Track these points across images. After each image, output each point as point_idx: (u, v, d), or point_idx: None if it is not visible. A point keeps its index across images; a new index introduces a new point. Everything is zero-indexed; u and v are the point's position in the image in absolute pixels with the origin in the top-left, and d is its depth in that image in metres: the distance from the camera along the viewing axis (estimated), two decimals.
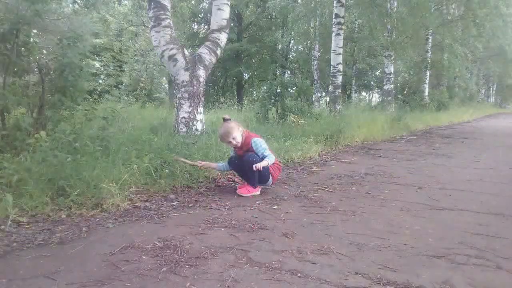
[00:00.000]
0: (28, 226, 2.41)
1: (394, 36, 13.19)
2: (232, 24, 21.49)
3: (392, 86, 14.09)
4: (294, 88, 7.68)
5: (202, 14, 24.35)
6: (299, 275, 1.79)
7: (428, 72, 17.07)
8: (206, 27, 24.65)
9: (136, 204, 2.92)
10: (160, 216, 2.69)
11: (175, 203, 3.01)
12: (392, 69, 13.94)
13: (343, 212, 2.79)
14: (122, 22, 22.29)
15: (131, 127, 4.85)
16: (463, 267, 1.87)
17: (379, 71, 29.02)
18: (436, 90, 18.93)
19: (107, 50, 21.92)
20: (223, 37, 5.69)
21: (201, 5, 24.63)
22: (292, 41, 23.71)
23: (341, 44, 9.83)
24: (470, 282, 1.72)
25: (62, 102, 3.70)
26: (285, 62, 24.35)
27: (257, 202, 3.07)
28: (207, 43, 5.60)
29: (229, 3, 5.75)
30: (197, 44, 22.35)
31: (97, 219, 2.58)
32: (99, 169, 2.99)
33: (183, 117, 5.19)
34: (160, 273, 1.80)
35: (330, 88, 10.13)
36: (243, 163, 3.26)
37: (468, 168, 4.66)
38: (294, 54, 25.75)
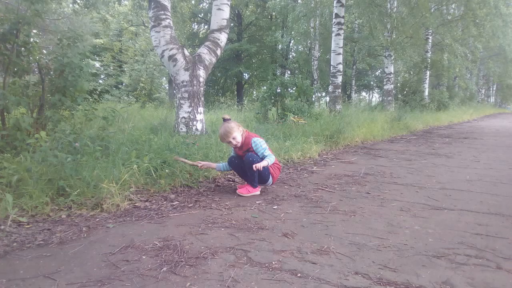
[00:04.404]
0: (28, 226, 2.41)
1: (394, 36, 13.20)
2: (232, 24, 21.51)
3: (392, 86, 14.10)
4: (294, 88, 7.68)
5: (202, 14, 24.37)
6: (299, 275, 1.79)
7: (428, 72, 17.08)
8: (206, 27, 24.68)
9: (136, 204, 2.92)
10: (160, 216, 2.69)
11: (175, 203, 3.01)
12: (392, 69, 13.95)
13: (343, 212, 2.79)
14: (122, 22, 22.29)
15: (131, 127, 4.85)
16: (463, 267, 1.87)
17: (379, 71, 29.08)
18: (436, 90, 18.94)
19: (107, 50, 21.96)
20: (223, 37, 5.69)
21: (201, 5, 24.66)
22: (292, 41, 23.72)
23: (341, 44, 9.83)
24: (470, 282, 1.72)
25: (62, 102, 3.70)
26: (285, 62, 24.36)
27: (257, 202, 3.07)
28: (207, 43, 5.60)
29: (229, 3, 5.75)
30: (197, 44, 22.39)
31: (97, 219, 2.58)
32: (99, 169, 2.99)
33: (183, 117, 5.20)
34: (160, 273, 1.80)
35: (330, 88, 10.13)
36: (243, 163, 3.26)
37: (468, 168, 4.66)
38: (294, 54, 25.77)
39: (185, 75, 5.19)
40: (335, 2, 9.84)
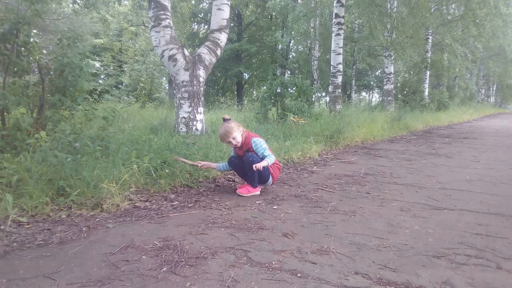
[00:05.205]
0: (28, 226, 2.41)
1: (394, 36, 13.19)
2: (232, 24, 21.51)
3: (392, 86, 14.10)
4: (294, 88, 7.68)
5: (202, 14, 24.37)
6: (299, 275, 1.79)
7: (428, 72, 17.07)
8: (206, 27, 24.67)
9: (136, 204, 2.92)
10: (160, 216, 2.69)
11: (175, 203, 3.01)
12: (392, 69, 13.95)
13: (343, 212, 2.79)
14: (122, 22, 22.29)
15: (131, 127, 4.85)
16: (463, 267, 1.87)
17: (379, 71, 29.07)
18: (436, 90, 18.94)
19: (107, 50, 21.96)
20: (223, 37, 5.69)
21: (201, 5, 24.66)
22: (292, 41, 23.72)
23: (341, 44, 9.83)
24: (470, 282, 1.72)
25: (62, 102, 3.70)
26: (285, 62, 24.36)
27: (257, 202, 3.07)
28: (207, 43, 5.60)
29: (229, 3, 5.75)
30: (197, 44, 22.39)
31: (97, 219, 2.58)
32: (99, 169, 2.99)
33: (183, 117, 5.20)
34: (160, 273, 1.80)
35: (330, 88, 10.14)
36: (243, 163, 3.26)
37: (468, 168, 4.66)
38: (294, 54, 25.77)
39: (185, 75, 5.19)
40: (335, 2, 9.84)
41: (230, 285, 1.69)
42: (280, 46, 23.62)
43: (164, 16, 5.20)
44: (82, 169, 2.96)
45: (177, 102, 5.32)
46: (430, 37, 16.43)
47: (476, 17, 13.34)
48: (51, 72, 3.84)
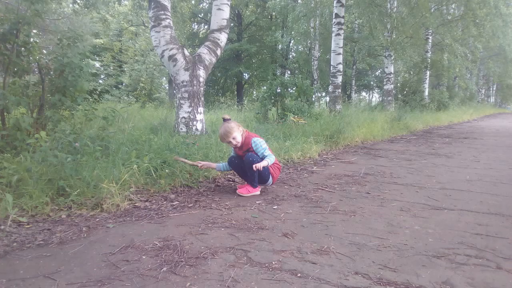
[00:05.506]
0: (28, 226, 2.41)
1: (394, 36, 13.19)
2: (232, 24, 21.51)
3: (392, 86, 14.10)
4: (294, 88, 7.68)
5: (202, 14, 24.37)
6: (299, 275, 1.79)
7: (428, 72, 17.07)
8: (206, 27, 24.67)
9: (136, 204, 2.92)
10: (160, 216, 2.69)
11: (175, 203, 3.01)
12: (392, 69, 13.94)
13: (343, 212, 2.79)
14: (122, 22, 22.28)
15: (131, 127, 4.85)
16: (463, 267, 1.87)
17: (379, 71, 29.08)
18: (436, 90, 18.94)
19: (107, 50, 21.96)
20: (223, 37, 5.69)
21: (201, 5, 24.66)
22: (292, 41, 23.72)
23: (341, 44, 9.83)
24: (470, 282, 1.72)
25: (62, 102, 3.70)
26: (285, 62, 24.36)
27: (257, 202, 3.07)
28: (207, 43, 5.60)
29: (229, 3, 5.75)
30: (197, 44, 22.39)
31: (97, 219, 2.58)
32: (99, 169, 2.99)
33: (183, 117, 5.20)
34: (160, 273, 1.80)
35: (330, 88, 10.14)
36: (243, 163, 3.26)
37: (468, 168, 4.66)
38: (294, 54, 25.76)
39: (185, 75, 5.19)
40: (335, 2, 9.84)
41: (230, 285, 1.69)
42: (280, 46, 23.62)
43: (164, 16, 5.20)
44: (82, 169, 2.96)
45: (177, 102, 5.32)
46: (430, 37, 16.43)
47: (476, 17, 13.34)
48: (51, 72, 3.85)
